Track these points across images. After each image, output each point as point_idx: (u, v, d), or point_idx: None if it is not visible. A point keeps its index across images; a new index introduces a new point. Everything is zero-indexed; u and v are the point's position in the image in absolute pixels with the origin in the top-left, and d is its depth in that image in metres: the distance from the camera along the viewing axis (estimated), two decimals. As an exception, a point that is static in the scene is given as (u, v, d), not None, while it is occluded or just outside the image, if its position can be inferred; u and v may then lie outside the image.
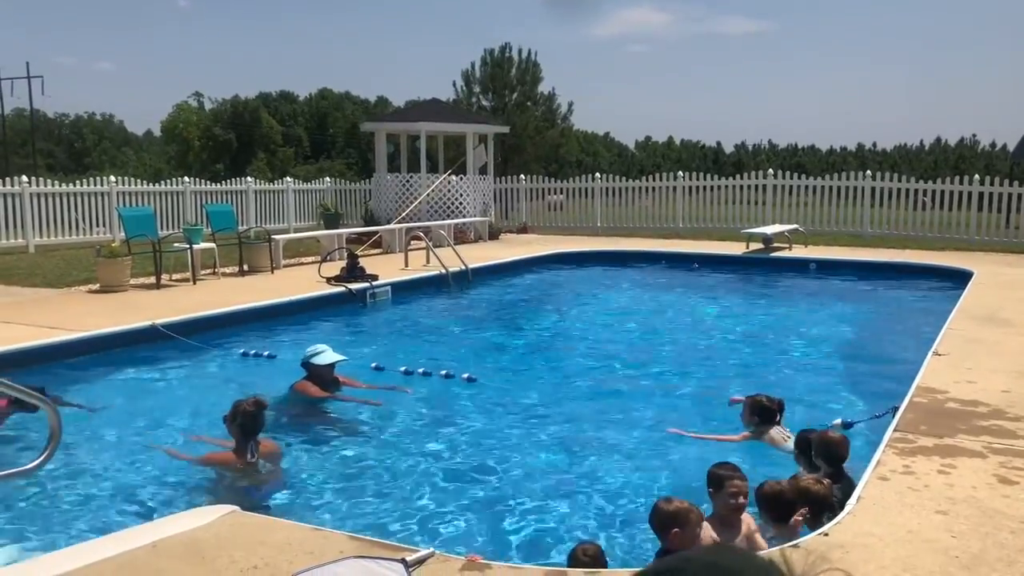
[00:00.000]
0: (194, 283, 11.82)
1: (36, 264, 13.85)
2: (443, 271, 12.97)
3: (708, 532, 3.86)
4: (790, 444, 5.39)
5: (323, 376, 6.91)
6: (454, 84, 29.33)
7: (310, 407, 6.76)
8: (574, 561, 3.69)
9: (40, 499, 4.90)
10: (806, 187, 20.00)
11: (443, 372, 7.73)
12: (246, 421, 5.17)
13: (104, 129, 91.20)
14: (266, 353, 8.36)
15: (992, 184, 17.90)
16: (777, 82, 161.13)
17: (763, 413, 5.81)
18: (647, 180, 21.87)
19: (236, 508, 4.07)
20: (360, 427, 6.49)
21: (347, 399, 6.97)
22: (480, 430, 6.36)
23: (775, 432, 5.75)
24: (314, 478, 5.39)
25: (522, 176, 22.69)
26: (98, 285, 11.18)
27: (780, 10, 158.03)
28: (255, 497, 4.92)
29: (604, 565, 3.69)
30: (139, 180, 19.67)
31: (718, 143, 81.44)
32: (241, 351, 8.49)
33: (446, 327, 11.00)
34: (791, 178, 20.22)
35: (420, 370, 7.77)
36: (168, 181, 19.93)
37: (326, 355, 6.96)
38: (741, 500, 4.04)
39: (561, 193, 22.44)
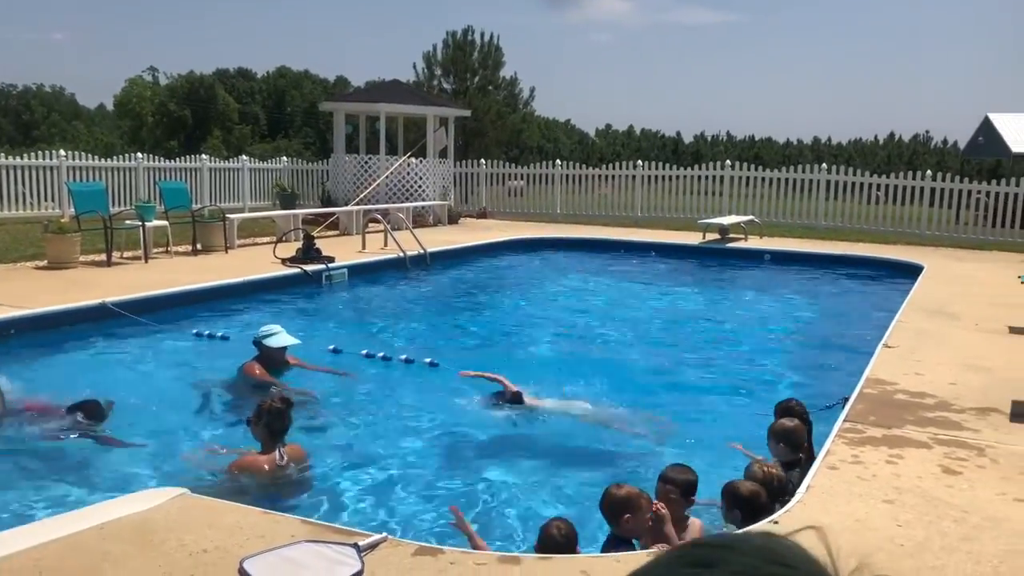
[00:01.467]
0: (146, 261, 11.61)
1: (-19, 238, 13.50)
2: (401, 255, 12.89)
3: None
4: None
5: (274, 358, 6.81)
6: (415, 66, 29.12)
7: (256, 390, 6.67)
8: (547, 538, 3.62)
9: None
10: (763, 179, 20.20)
11: (403, 357, 7.69)
12: (273, 420, 4.82)
13: (54, 101, 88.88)
14: (220, 334, 8.25)
15: (943, 180, 18.26)
16: (737, 74, 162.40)
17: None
18: (607, 168, 21.93)
19: (186, 491, 4.01)
20: (318, 410, 6.43)
21: (287, 388, 6.61)
22: (441, 414, 6.33)
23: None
24: None
25: (482, 160, 22.62)
26: (46, 261, 10.92)
27: (744, 3, 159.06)
28: (290, 505, 4.51)
29: (576, 543, 3.65)
30: (90, 155, 19.22)
31: (678, 133, 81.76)
32: (194, 331, 8.37)
33: (404, 311, 10.95)
34: (748, 170, 20.41)
35: (380, 354, 7.71)
36: (120, 157, 19.53)
37: (279, 337, 6.84)
38: (660, 512, 3.81)
39: (521, 179, 22.40)
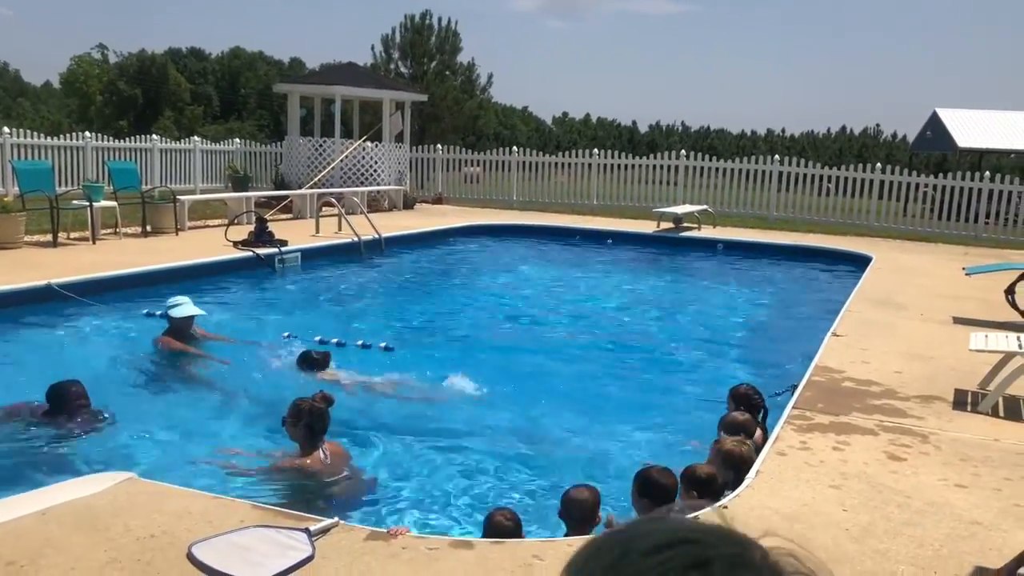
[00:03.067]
0: (94, 243, 11.36)
1: (-79, 217, 13.08)
2: (355, 239, 12.78)
3: None
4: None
5: (181, 329, 6.94)
6: (372, 49, 28.79)
7: (177, 358, 6.76)
8: (492, 526, 3.66)
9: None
10: (716, 169, 20.38)
11: (359, 342, 7.64)
12: (314, 420, 4.60)
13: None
14: (158, 314, 8.08)
15: (892, 173, 18.61)
16: (693, 65, 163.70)
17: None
18: (563, 156, 21.95)
19: (132, 475, 3.95)
20: (261, 389, 6.36)
21: (205, 356, 6.95)
22: (392, 398, 6.31)
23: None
24: (185, 439, 5.30)
25: (439, 146, 22.49)
26: (-11, 241, 10.64)
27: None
28: (344, 508, 4.29)
29: (521, 531, 3.69)
30: (36, 133, 18.72)
31: (633, 122, 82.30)
32: (145, 311, 8.19)
33: (358, 296, 10.88)
34: (702, 160, 20.58)
35: (334, 340, 7.64)
36: (68, 136, 19.06)
37: (184, 307, 6.93)
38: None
39: (478, 165, 22.33)
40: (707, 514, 3.76)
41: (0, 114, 58.43)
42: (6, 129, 17.38)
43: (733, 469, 4.29)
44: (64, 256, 10.21)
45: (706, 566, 0.70)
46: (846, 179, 18.99)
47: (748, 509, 3.81)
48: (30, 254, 10.22)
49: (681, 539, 0.73)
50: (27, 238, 10.91)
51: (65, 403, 5.26)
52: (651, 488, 3.95)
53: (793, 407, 5.39)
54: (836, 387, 5.99)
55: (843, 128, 76.27)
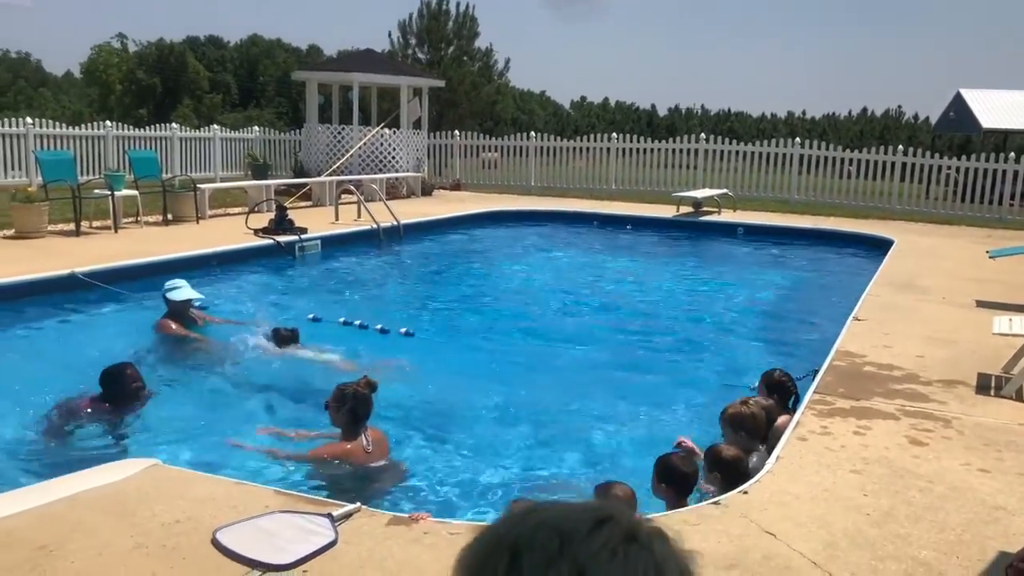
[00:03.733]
0: (116, 231, 11.46)
1: (-54, 207, 13.24)
2: (374, 226, 12.82)
3: None
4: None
5: (179, 312, 7.02)
6: (389, 35, 28.79)
7: (177, 343, 6.89)
8: None
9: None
10: (736, 152, 20.26)
11: (378, 326, 7.69)
12: (357, 405, 4.59)
13: (20, 68, 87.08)
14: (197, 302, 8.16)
15: (914, 155, 18.41)
16: (713, 48, 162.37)
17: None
18: (581, 141, 21.89)
19: (157, 461, 4.00)
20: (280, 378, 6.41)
21: (203, 339, 7.08)
22: (417, 383, 6.34)
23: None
24: (197, 425, 5.35)
25: (456, 132, 22.47)
26: (13, 231, 10.75)
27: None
28: (389, 494, 4.38)
29: None
30: (58, 123, 18.86)
31: (652, 106, 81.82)
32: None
33: (378, 282, 10.92)
34: (722, 143, 20.45)
35: (357, 322, 7.72)
36: (89, 125, 19.19)
37: (183, 291, 7.02)
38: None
39: (496, 151, 22.30)
40: (730, 497, 3.77)
41: (23, 104, 58.96)
42: (29, 120, 17.54)
43: (745, 431, 4.34)
44: (87, 245, 10.31)
45: (636, 537, 0.79)
46: (867, 161, 18.82)
47: (769, 495, 3.81)
48: (54, 243, 10.32)
49: (601, 517, 0.80)
50: (51, 227, 11.02)
51: (121, 386, 5.26)
52: (672, 475, 3.97)
53: (814, 392, 5.38)
54: (857, 371, 5.96)
55: (864, 110, 75.52)
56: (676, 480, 3.97)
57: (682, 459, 4.09)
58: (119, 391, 5.26)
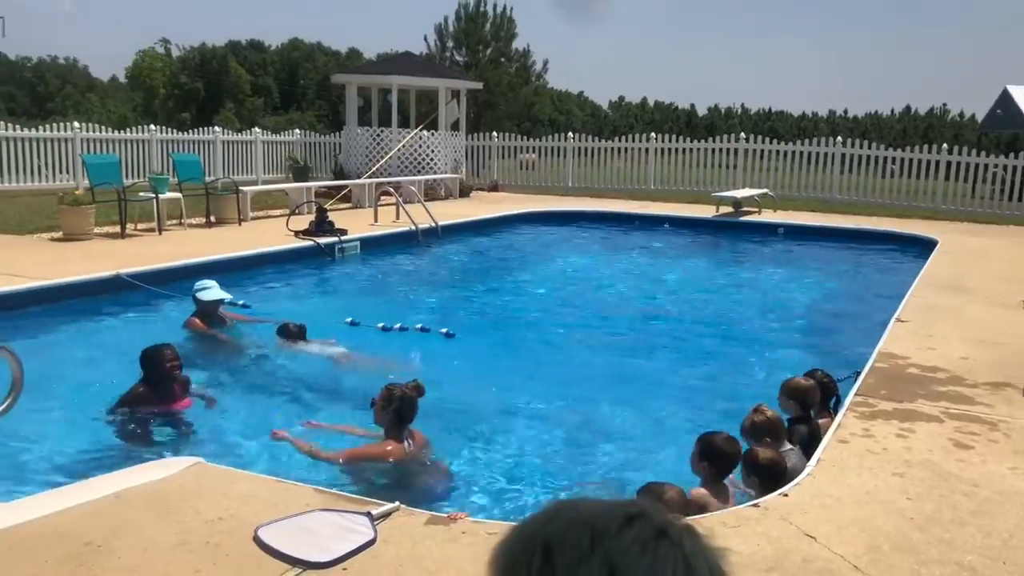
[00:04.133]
0: (160, 233, 11.66)
1: (-3, 210, 13.57)
2: (413, 227, 12.89)
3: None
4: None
5: (208, 312, 7.16)
6: (426, 38, 28.92)
7: (203, 340, 7.03)
8: None
9: (2, 447, 4.85)
10: (777, 152, 20.06)
11: (418, 326, 7.73)
12: (404, 407, 4.62)
13: (67, 74, 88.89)
14: (240, 303, 8.28)
15: (960, 154, 18.08)
16: (752, 46, 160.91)
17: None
18: (620, 141, 21.81)
19: (200, 459, 4.06)
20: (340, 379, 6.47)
21: (231, 339, 7.23)
22: (455, 383, 6.36)
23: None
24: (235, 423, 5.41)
25: (494, 133, 22.52)
26: (61, 233, 10.98)
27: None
28: (429, 496, 4.37)
29: None
30: (104, 127, 19.23)
31: (692, 105, 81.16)
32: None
33: (416, 284, 10.98)
34: (762, 142, 20.27)
35: (396, 326, 7.77)
36: (134, 129, 19.54)
37: (213, 291, 7.14)
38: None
39: (533, 152, 22.30)
40: (770, 499, 3.74)
41: (70, 109, 60.16)
42: (76, 124, 17.92)
43: (769, 437, 4.37)
44: (132, 247, 10.50)
45: (667, 533, 0.80)
46: (911, 160, 18.53)
47: (809, 497, 3.77)
48: (99, 245, 10.52)
49: (632, 513, 0.81)
50: (96, 230, 11.23)
51: (159, 366, 5.38)
52: (714, 453, 4.04)
53: (856, 394, 5.31)
54: (900, 373, 5.87)
55: (907, 108, 74.28)
56: (716, 459, 4.03)
57: (725, 439, 4.12)
58: (157, 371, 5.37)
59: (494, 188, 21.20)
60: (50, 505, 3.50)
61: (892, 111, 74.57)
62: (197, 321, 7.15)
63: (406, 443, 4.63)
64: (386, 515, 3.44)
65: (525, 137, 23.06)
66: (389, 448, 4.62)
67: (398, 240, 12.77)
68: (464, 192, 19.54)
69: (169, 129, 20.64)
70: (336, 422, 5.30)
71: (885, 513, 3.63)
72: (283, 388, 6.23)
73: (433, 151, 19.55)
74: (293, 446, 4.86)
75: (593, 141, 21.79)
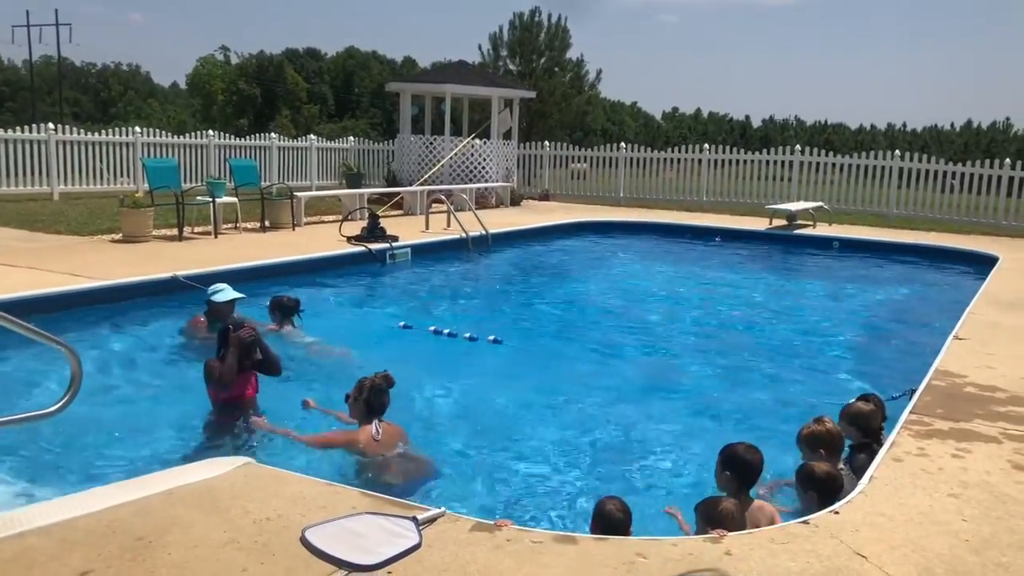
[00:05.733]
0: (215, 236, 11.87)
1: (60, 212, 13.94)
2: (463, 235, 12.96)
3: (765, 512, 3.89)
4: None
5: (222, 312, 7.23)
6: (480, 47, 29.09)
7: (205, 339, 7.05)
8: (602, 515, 3.66)
9: (59, 443, 4.97)
10: (833, 165, 19.77)
11: (467, 334, 7.77)
12: (372, 397, 4.78)
13: (130, 79, 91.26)
14: None
15: (1023, 169, 17.63)
16: (808, 57, 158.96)
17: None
18: (672, 152, 21.69)
19: (251, 460, 4.12)
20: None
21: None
22: (500, 391, 6.37)
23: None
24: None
25: (546, 143, 22.56)
26: (121, 235, 11.25)
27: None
28: (403, 489, 4.39)
29: (630, 522, 3.67)
30: (163, 132, 19.68)
31: (746, 117, 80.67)
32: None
33: (465, 290, 11.03)
34: (818, 155, 19.99)
35: (446, 331, 7.81)
36: (192, 134, 19.95)
37: (226, 292, 7.27)
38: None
39: (585, 161, 22.29)
40: (820, 516, 3.68)
41: (132, 115, 61.64)
42: (137, 129, 18.37)
43: (824, 449, 4.33)
44: (188, 249, 10.70)
45: None
46: (972, 175, 18.12)
47: (861, 515, 3.70)
48: (157, 247, 10.75)
49: None
50: (155, 232, 11.48)
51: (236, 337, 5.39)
52: (735, 462, 3.99)
53: (910, 412, 5.19)
54: (957, 392, 5.74)
55: (969, 122, 72.78)
56: (738, 468, 3.98)
57: (747, 448, 4.07)
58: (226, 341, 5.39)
59: (545, 197, 21.22)
60: (104, 500, 3.58)
61: (953, 125, 73.16)
62: (202, 320, 7.31)
63: (373, 431, 4.73)
64: (431, 520, 3.46)
65: (577, 147, 23.05)
66: (356, 437, 4.74)
67: (448, 247, 12.83)
68: (515, 201, 19.59)
69: (226, 135, 21.04)
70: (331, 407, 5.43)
71: (939, 534, 3.55)
72: (294, 379, 6.23)
73: (485, 159, 19.64)
74: (272, 432, 5.08)
75: (645, 151, 21.70)
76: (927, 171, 18.65)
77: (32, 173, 16.27)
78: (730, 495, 3.92)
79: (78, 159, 16.88)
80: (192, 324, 7.35)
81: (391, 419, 4.92)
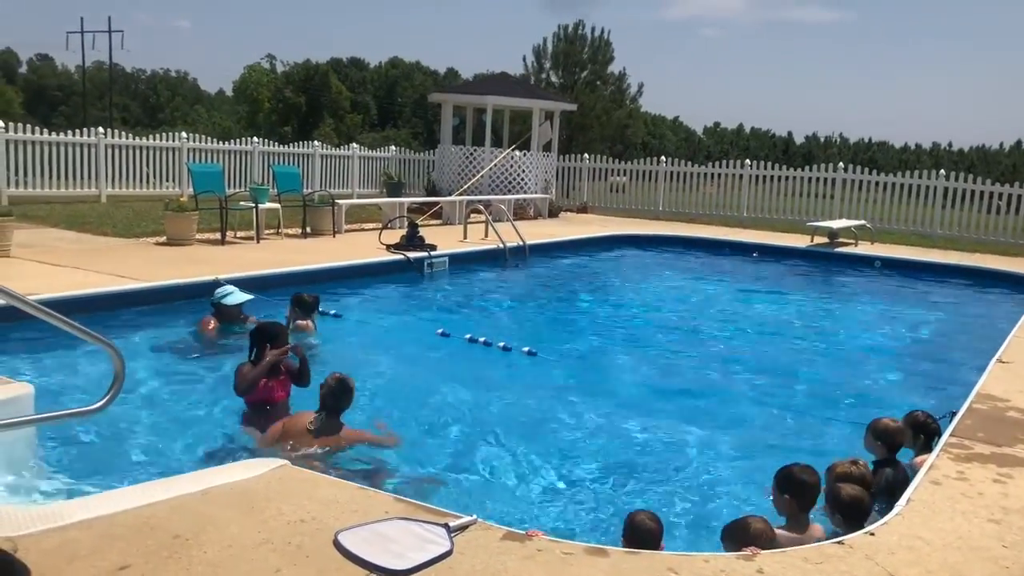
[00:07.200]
0: (258, 241, 12.03)
1: (107, 214, 14.21)
2: (501, 245, 12.99)
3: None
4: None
5: (231, 314, 7.44)
6: (524, 59, 29.21)
7: (209, 342, 7.26)
8: (635, 528, 3.66)
9: (100, 440, 5.06)
10: (876, 183, 19.54)
11: (501, 344, 7.79)
12: (324, 394, 4.99)
13: (178, 86, 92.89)
14: (332, 312, 8.47)
15: (1073, 191, 17.29)
16: (852, 74, 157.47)
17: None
18: (713, 166, 21.58)
19: (287, 462, 4.16)
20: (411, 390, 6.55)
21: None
22: (533, 402, 6.37)
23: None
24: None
25: (586, 155, 22.56)
26: (165, 238, 11.43)
27: (861, 0, 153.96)
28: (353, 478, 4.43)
29: (662, 536, 3.66)
30: (209, 138, 20.00)
31: (789, 133, 80.00)
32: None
33: (501, 301, 11.04)
34: (861, 173, 19.77)
35: (482, 339, 7.84)
36: (237, 140, 20.24)
37: (236, 295, 7.42)
38: None
39: (624, 175, 22.26)
40: (856, 537, 3.63)
41: (179, 120, 62.68)
42: (183, 134, 18.68)
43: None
44: (230, 253, 10.85)
45: None
46: (1020, 196, 17.79)
47: (897, 538, 3.65)
48: (200, 251, 10.91)
49: None
50: (198, 236, 11.66)
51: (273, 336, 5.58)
52: (792, 484, 3.95)
53: (951, 435, 5.11)
54: (1000, 416, 5.63)
55: (1018, 142, 71.47)
56: (794, 489, 3.93)
57: (803, 469, 4.01)
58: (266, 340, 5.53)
59: (583, 209, 21.21)
60: (142, 497, 3.64)
61: (1001, 145, 71.91)
62: (211, 321, 7.42)
63: (310, 421, 4.93)
64: (463, 528, 3.47)
65: (616, 160, 23.03)
66: (292, 421, 5.05)
67: (486, 257, 12.88)
68: (553, 212, 19.61)
69: (271, 142, 21.32)
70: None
71: (978, 560, 3.48)
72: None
73: (524, 171, 19.69)
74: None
75: (685, 166, 21.61)
76: (973, 191, 18.36)
77: (82, 176, 16.63)
78: (789, 518, 3.91)
79: (126, 163, 17.22)
80: (202, 325, 7.48)
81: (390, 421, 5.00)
